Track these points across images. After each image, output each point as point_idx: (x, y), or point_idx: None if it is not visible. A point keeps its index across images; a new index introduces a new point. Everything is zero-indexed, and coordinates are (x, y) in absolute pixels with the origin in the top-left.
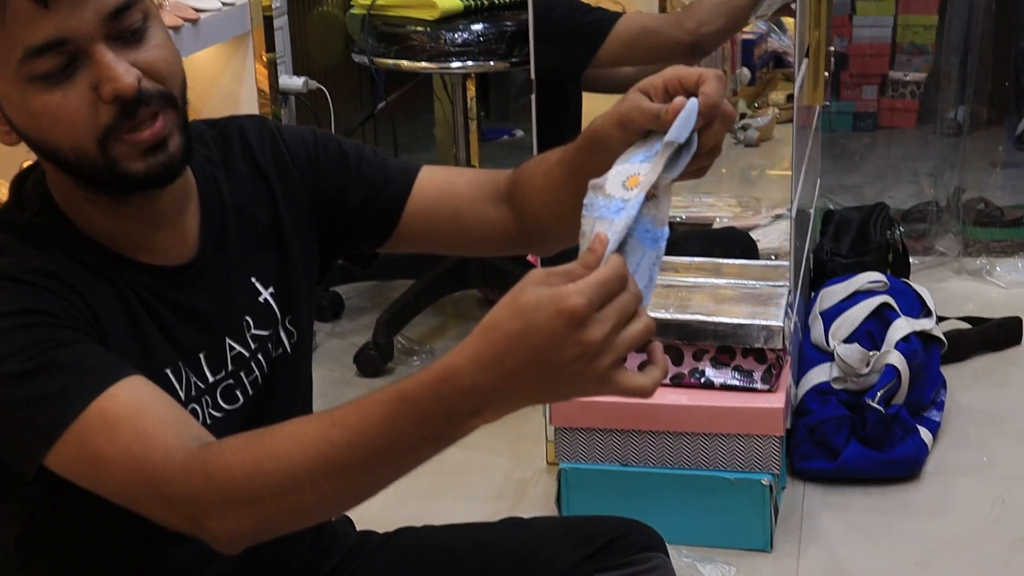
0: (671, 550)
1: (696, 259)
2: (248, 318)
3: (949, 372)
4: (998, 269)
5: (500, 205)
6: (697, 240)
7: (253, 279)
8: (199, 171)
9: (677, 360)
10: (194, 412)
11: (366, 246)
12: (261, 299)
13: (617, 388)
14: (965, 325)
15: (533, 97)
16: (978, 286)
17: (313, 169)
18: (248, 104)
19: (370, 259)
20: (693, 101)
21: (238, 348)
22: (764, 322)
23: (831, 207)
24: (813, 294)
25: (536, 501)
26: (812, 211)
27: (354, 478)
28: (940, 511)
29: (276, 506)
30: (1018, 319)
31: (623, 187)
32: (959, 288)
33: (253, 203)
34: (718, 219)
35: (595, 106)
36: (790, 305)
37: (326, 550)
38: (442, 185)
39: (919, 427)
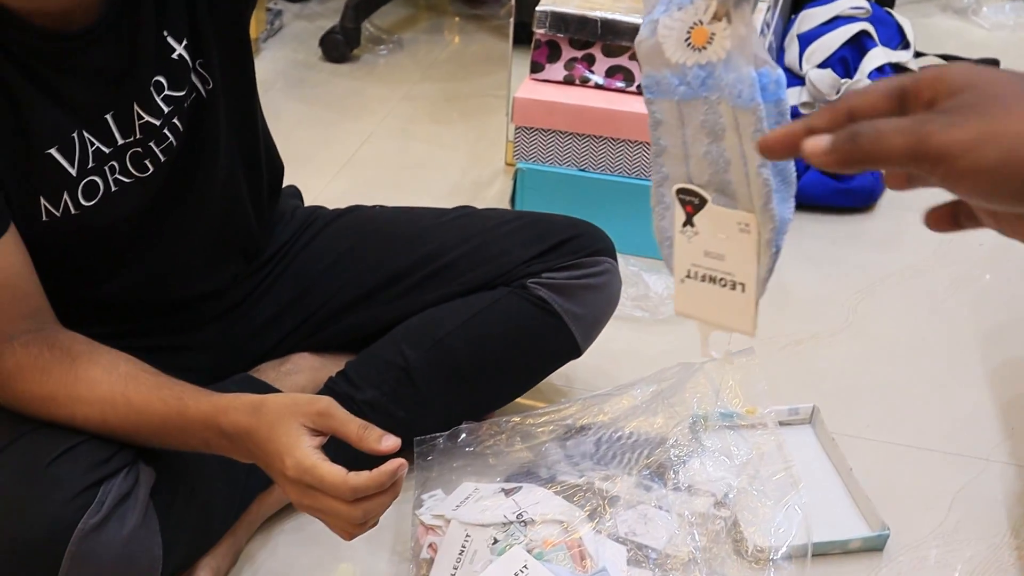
0: (620, 258)
1: None
2: (161, 78)
3: None
4: (984, 10)
5: None
6: None
7: (165, 32)
8: None
9: None
10: (93, 184)
11: None
12: (175, 55)
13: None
14: (942, 63)
15: None
16: (962, 25)
17: None
18: None
19: None
20: None
21: (147, 117)
22: None
23: None
24: (793, 16)
25: (491, 200)
26: None
27: (128, 439)
28: (888, 244)
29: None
30: (996, 62)
31: (688, 48)
32: (943, 25)
33: None
34: None
35: None
36: (767, 23)
37: (264, 239)
38: None
39: None
